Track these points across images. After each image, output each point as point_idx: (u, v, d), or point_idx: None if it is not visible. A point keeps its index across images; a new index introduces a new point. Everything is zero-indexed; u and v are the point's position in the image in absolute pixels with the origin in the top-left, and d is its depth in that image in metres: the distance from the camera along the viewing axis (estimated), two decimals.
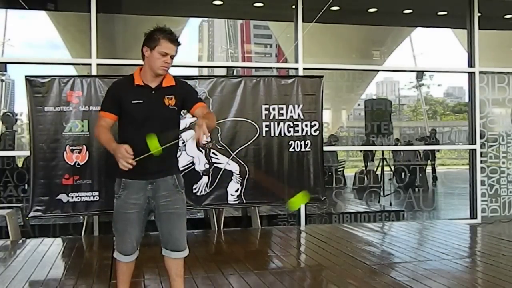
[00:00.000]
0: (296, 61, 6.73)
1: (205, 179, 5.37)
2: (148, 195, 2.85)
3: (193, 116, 2.95)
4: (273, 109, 5.58)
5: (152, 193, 2.85)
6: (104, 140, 2.77)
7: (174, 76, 2.91)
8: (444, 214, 8.15)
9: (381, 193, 8.17)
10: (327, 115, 8.77)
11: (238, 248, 4.87)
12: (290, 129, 5.60)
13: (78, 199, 5.10)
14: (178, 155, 3.01)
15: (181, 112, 2.95)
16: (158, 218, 2.91)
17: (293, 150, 5.62)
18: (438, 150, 9.63)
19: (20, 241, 5.25)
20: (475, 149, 7.36)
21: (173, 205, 2.88)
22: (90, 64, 6.06)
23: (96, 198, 5.14)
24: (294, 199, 2.83)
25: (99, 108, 5.05)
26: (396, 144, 9.36)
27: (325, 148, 6.00)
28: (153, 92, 2.80)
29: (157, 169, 2.79)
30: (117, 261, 2.98)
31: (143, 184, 2.83)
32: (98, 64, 6.07)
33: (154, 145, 2.53)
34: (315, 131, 5.67)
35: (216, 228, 5.79)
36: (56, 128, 5.09)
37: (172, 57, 2.79)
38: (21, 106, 6.90)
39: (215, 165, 5.41)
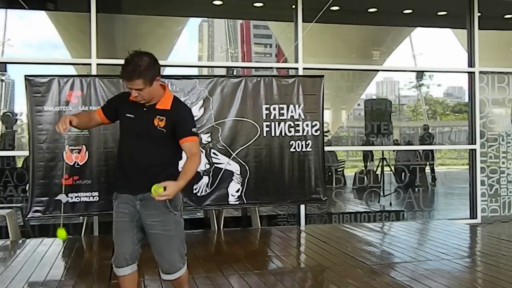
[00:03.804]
0: (296, 61, 6.72)
1: (205, 179, 5.36)
2: (138, 209, 2.80)
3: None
4: (274, 109, 5.58)
5: (140, 209, 2.79)
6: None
7: (175, 101, 2.82)
8: (444, 214, 8.15)
9: (381, 193, 8.17)
10: (327, 115, 8.77)
11: (238, 248, 4.86)
12: (290, 129, 5.59)
13: (77, 199, 5.10)
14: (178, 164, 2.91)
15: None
16: (148, 237, 2.84)
17: (293, 150, 5.61)
18: (434, 150, 9.59)
19: (20, 241, 5.25)
20: (475, 149, 7.36)
21: (162, 226, 2.78)
22: (90, 64, 6.05)
23: (96, 198, 5.13)
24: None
25: (99, 108, 5.15)
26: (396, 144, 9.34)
27: (325, 148, 5.99)
28: (145, 109, 2.76)
29: (144, 185, 2.68)
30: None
31: (132, 198, 2.80)
32: (98, 64, 6.07)
33: (61, 234, 2.82)
34: (316, 131, 5.67)
35: (216, 228, 5.79)
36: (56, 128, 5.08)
37: (139, 89, 2.65)
38: (21, 106, 6.88)
39: (215, 165, 5.41)
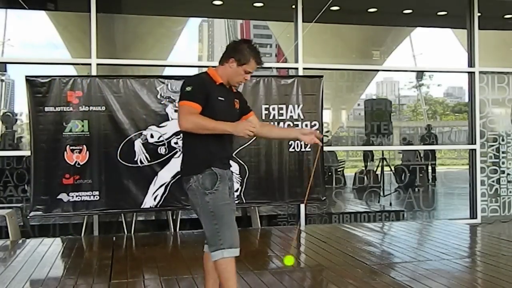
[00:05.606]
0: (296, 61, 6.73)
1: None
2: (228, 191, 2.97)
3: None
4: (273, 109, 5.59)
5: (230, 190, 2.98)
6: (214, 124, 2.70)
7: None
8: (444, 214, 8.15)
9: (381, 193, 8.17)
10: (327, 115, 8.76)
11: None
12: None
13: (78, 198, 5.11)
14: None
15: None
16: None
17: (293, 150, 5.62)
18: (435, 150, 9.58)
19: (20, 241, 5.26)
20: (475, 149, 7.36)
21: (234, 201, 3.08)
22: (90, 64, 6.06)
23: (97, 197, 5.15)
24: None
25: (99, 108, 5.18)
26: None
27: (325, 148, 5.99)
28: (228, 93, 2.96)
29: (231, 154, 3.05)
30: (226, 260, 2.81)
31: (227, 181, 2.92)
32: (98, 64, 6.08)
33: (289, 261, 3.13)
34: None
35: None
36: (57, 128, 5.10)
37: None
38: (21, 106, 6.91)
39: None
